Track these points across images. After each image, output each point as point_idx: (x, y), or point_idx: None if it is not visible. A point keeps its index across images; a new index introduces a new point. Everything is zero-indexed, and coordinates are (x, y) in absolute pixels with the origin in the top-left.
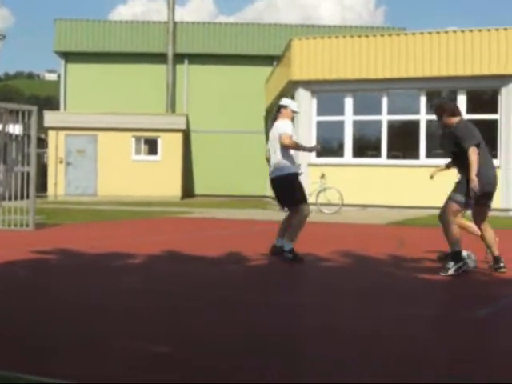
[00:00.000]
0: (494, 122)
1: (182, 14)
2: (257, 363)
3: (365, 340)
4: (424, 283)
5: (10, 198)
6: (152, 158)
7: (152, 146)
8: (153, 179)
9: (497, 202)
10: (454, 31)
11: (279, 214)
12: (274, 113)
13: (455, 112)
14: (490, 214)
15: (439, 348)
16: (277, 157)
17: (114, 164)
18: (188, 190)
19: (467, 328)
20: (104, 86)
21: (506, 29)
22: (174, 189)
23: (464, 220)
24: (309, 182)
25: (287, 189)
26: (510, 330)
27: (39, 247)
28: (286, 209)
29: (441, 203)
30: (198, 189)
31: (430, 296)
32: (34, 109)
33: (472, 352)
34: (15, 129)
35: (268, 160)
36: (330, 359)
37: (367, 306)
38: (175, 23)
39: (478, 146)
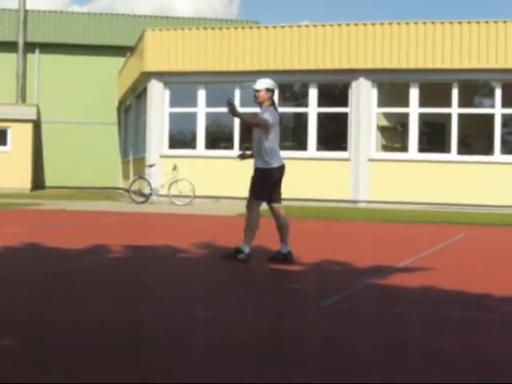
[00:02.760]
0: (345, 115)
1: (35, 2)
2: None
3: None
4: (275, 273)
5: None
6: (1, 148)
7: (1, 137)
8: (2, 170)
9: (346, 193)
10: (307, 25)
11: (132, 206)
12: (255, 94)
13: None
14: (339, 205)
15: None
16: (262, 146)
17: None
18: (38, 182)
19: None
20: None
21: (348, 24)
22: (24, 180)
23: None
24: (161, 173)
25: (257, 182)
26: (353, 318)
27: None
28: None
29: (292, 194)
30: (49, 180)
31: (281, 286)
32: None
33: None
34: None
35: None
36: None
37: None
38: (26, 11)
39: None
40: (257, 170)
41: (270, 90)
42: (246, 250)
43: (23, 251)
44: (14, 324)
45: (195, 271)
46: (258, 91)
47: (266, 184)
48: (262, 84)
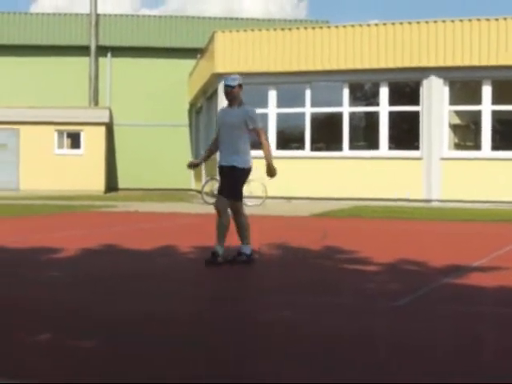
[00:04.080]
0: (416, 114)
1: (105, 7)
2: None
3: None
4: (350, 273)
5: None
6: (75, 151)
7: (75, 140)
8: (76, 173)
9: (419, 193)
10: (376, 24)
11: (204, 208)
12: (229, 92)
13: None
14: (411, 204)
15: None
16: (240, 145)
17: (36, 158)
18: (111, 184)
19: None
20: (26, 79)
21: (418, 22)
22: (98, 183)
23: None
24: None
25: (239, 182)
26: (425, 318)
27: None
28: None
29: (364, 194)
30: (122, 182)
31: (355, 286)
32: None
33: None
34: None
35: (211, 149)
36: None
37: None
38: (98, 15)
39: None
40: (236, 170)
41: (241, 86)
42: (249, 250)
43: (103, 252)
44: (102, 321)
45: (268, 272)
46: (232, 87)
47: (244, 182)
48: (235, 80)
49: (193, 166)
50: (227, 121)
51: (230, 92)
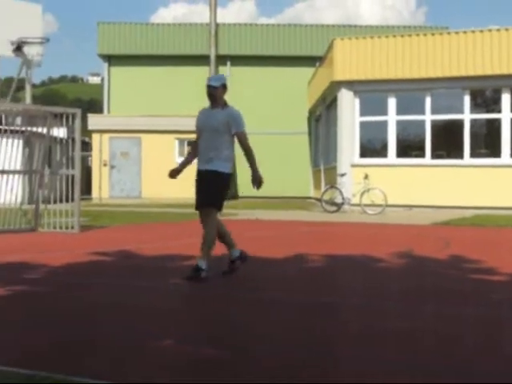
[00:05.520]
0: None
1: (223, 16)
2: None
3: (403, 339)
4: (477, 283)
5: (55, 201)
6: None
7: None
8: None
9: None
10: (498, 29)
11: (324, 216)
12: (212, 92)
13: None
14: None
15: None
16: (223, 149)
17: (157, 166)
18: (232, 192)
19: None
20: (147, 88)
21: None
22: None
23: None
24: (352, 182)
25: (222, 188)
26: None
27: (90, 249)
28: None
29: (485, 203)
30: (242, 190)
31: (484, 296)
32: (78, 112)
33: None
34: (59, 132)
35: (194, 154)
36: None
37: (420, 306)
38: (217, 25)
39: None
40: (221, 175)
41: (225, 87)
42: (204, 265)
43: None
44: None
45: (392, 281)
46: (215, 88)
47: (227, 190)
48: (218, 80)
49: (175, 173)
50: (209, 124)
51: (212, 93)
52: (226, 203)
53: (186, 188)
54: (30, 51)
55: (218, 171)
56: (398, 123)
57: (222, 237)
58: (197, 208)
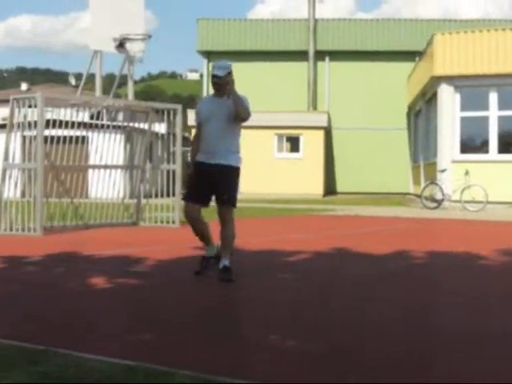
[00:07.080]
0: None
1: (321, 11)
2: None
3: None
4: None
5: (156, 196)
6: (294, 155)
7: (294, 144)
8: (295, 177)
9: None
10: None
11: (425, 212)
12: (217, 82)
13: None
14: None
15: None
16: (233, 140)
17: (257, 162)
18: (330, 188)
19: None
20: (245, 84)
21: None
22: (316, 186)
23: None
24: (453, 179)
25: (235, 184)
26: None
27: (192, 244)
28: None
29: None
30: (340, 186)
31: None
32: (179, 107)
33: None
34: (160, 128)
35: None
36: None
37: None
38: (316, 20)
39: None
40: (236, 170)
41: (231, 74)
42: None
43: (333, 256)
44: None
45: (494, 279)
46: (220, 78)
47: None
48: (224, 69)
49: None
50: (218, 112)
51: (217, 82)
52: (326, 199)
53: (283, 184)
54: (133, 48)
55: (232, 166)
56: (500, 118)
57: (201, 234)
58: (190, 199)
